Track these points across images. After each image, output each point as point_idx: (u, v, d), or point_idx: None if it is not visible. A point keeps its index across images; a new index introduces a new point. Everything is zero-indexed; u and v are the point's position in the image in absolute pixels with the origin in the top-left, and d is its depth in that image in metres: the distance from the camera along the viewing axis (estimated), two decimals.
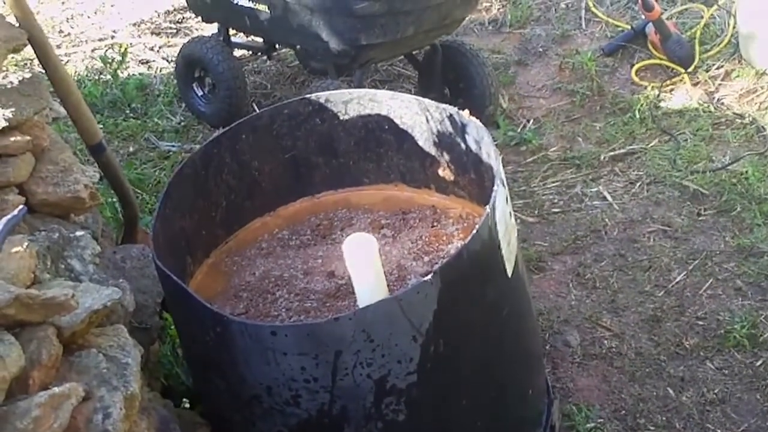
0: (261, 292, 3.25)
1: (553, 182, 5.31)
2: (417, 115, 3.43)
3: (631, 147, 5.54)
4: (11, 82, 3.09)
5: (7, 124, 3.03)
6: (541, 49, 6.70)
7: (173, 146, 5.85)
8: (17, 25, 3.53)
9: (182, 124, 6.15)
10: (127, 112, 6.28)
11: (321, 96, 3.55)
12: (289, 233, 3.55)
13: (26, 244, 2.57)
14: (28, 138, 3.13)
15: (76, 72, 6.81)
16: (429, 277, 2.59)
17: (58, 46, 7.36)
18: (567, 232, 4.85)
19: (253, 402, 2.81)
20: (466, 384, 2.88)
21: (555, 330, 4.17)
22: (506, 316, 3.00)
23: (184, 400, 3.19)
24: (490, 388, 2.99)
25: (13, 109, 3.04)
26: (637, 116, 5.80)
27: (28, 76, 3.16)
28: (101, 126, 5.30)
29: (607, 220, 4.90)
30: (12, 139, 3.07)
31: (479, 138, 3.20)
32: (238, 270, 3.42)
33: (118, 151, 5.80)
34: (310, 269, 3.32)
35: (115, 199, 4.30)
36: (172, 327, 3.59)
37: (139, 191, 5.17)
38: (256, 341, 2.64)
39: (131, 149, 5.88)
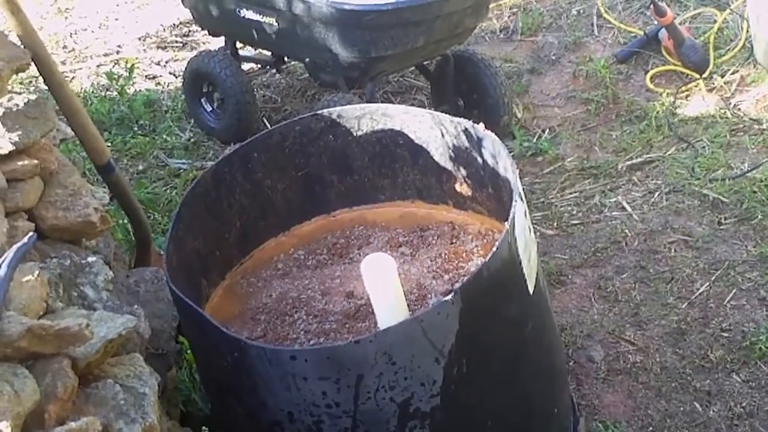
0: (279, 315, 3.19)
1: (571, 193, 5.25)
2: (431, 130, 3.38)
3: (649, 155, 5.47)
4: (17, 105, 3.03)
5: (14, 148, 2.98)
6: (553, 57, 6.64)
7: (183, 164, 5.79)
8: (20, 43, 3.49)
9: (192, 140, 6.09)
10: (135, 129, 6.23)
11: (333, 112, 3.50)
12: (305, 253, 3.50)
13: (37, 272, 2.53)
14: (36, 162, 3.08)
15: (81, 89, 6.78)
16: (450, 296, 2.54)
17: (63, 62, 7.33)
18: (587, 244, 4.78)
19: (274, 428, 2.75)
20: (490, 405, 2.82)
21: (578, 345, 4.11)
22: (529, 334, 2.94)
23: (204, 428, 3.12)
24: (515, 408, 2.93)
25: (19, 133, 2.99)
26: (654, 124, 5.73)
27: (33, 98, 3.10)
28: (109, 144, 5.29)
29: (627, 231, 4.83)
30: (20, 163, 3.02)
31: (496, 152, 3.15)
32: (254, 292, 3.37)
33: (128, 170, 5.75)
34: (327, 290, 3.26)
35: (126, 221, 4.24)
36: (189, 351, 3.54)
37: (150, 211, 5.12)
38: (275, 366, 2.58)
39: (141, 167, 5.83)
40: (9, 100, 3.05)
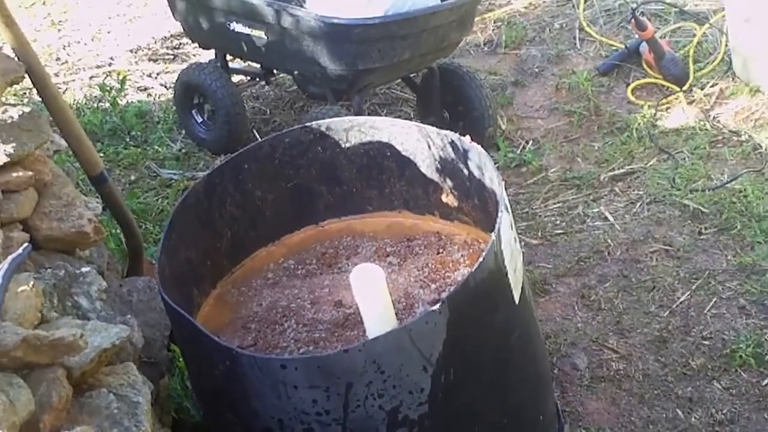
0: (269, 323, 3.24)
1: (555, 203, 5.31)
2: (418, 142, 3.44)
3: (630, 166, 5.54)
4: (11, 117, 3.08)
5: (9, 159, 3.03)
6: (537, 70, 6.70)
7: (175, 174, 5.84)
8: (14, 56, 3.53)
9: (183, 151, 6.13)
10: (127, 140, 6.26)
11: (322, 124, 3.55)
12: (295, 262, 3.55)
13: (32, 282, 2.57)
14: (30, 173, 3.12)
15: (74, 100, 6.80)
16: (437, 306, 2.59)
17: (56, 74, 7.36)
18: (570, 253, 4.85)
19: None
20: (478, 412, 2.88)
21: (562, 353, 4.17)
22: (515, 342, 3.00)
23: None
24: (502, 415, 2.99)
25: (14, 145, 3.04)
26: (635, 135, 5.79)
27: (28, 110, 3.15)
28: (102, 155, 5.34)
29: (609, 240, 4.90)
30: (14, 174, 3.07)
31: (482, 163, 3.21)
32: (244, 301, 3.41)
33: (120, 180, 5.80)
34: (317, 299, 3.31)
35: (118, 230, 4.29)
36: (181, 359, 3.58)
37: (142, 221, 5.17)
38: (266, 374, 2.63)
39: (132, 178, 5.87)
40: (4, 113, 3.09)
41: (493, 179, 3.11)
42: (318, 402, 2.63)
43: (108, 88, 6.67)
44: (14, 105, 3.39)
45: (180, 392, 3.65)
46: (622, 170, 5.53)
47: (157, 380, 3.30)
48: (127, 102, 6.70)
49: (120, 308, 3.43)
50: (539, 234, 5.05)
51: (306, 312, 3.26)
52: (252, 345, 3.16)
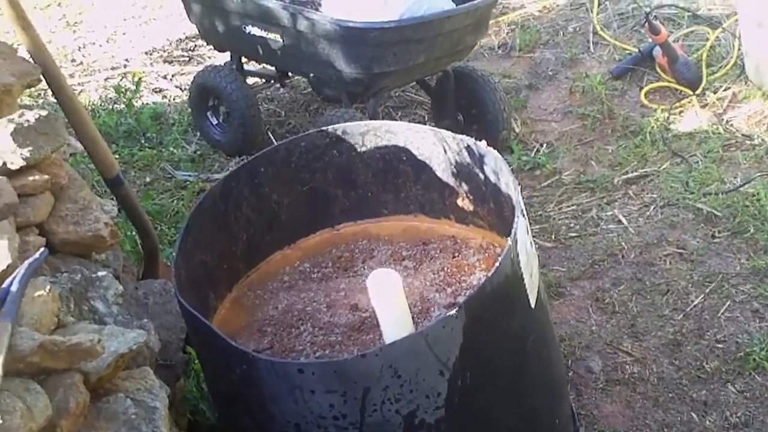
0: (285, 327, 3.24)
1: (569, 206, 5.32)
2: (434, 146, 3.44)
3: (644, 170, 5.54)
4: (28, 121, 3.07)
5: (25, 163, 3.03)
6: (551, 73, 6.71)
7: (190, 176, 5.86)
8: (30, 59, 3.55)
9: (198, 153, 6.16)
10: (143, 141, 6.30)
11: (338, 128, 3.56)
12: (311, 266, 3.55)
13: (49, 287, 2.57)
14: (47, 177, 3.13)
15: (90, 101, 6.84)
16: (454, 311, 2.60)
17: (71, 76, 7.39)
18: (584, 256, 4.85)
19: None
20: (493, 417, 2.88)
21: (577, 356, 4.18)
22: (531, 346, 3.00)
23: None
24: (518, 419, 2.99)
25: (30, 148, 3.03)
26: (648, 139, 5.80)
27: (44, 114, 3.14)
28: (117, 156, 5.37)
29: (623, 243, 4.90)
30: (30, 178, 3.07)
31: (498, 168, 3.21)
32: (260, 304, 3.42)
33: (135, 182, 5.82)
34: (333, 302, 3.32)
35: (134, 232, 4.31)
36: (196, 361, 3.59)
37: (157, 223, 5.19)
38: (283, 379, 2.64)
39: (148, 179, 5.90)
40: (20, 116, 3.09)
41: (509, 184, 3.12)
42: (335, 406, 2.63)
43: (123, 90, 6.70)
44: (30, 107, 3.41)
45: (196, 394, 3.66)
46: (635, 173, 5.53)
47: (173, 383, 3.30)
48: (142, 104, 6.73)
49: (136, 311, 3.44)
50: (553, 237, 5.06)
51: (322, 315, 3.26)
52: (268, 348, 3.17)
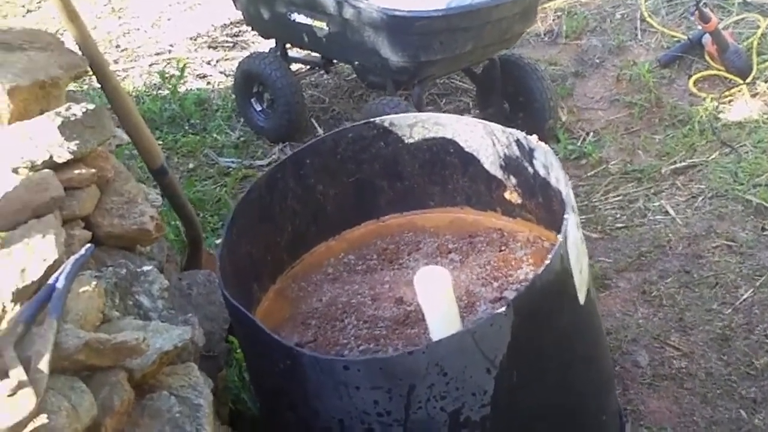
0: (329, 319, 3.23)
1: (615, 196, 5.27)
2: (482, 139, 3.41)
3: (692, 160, 5.47)
4: (75, 114, 3.07)
5: (72, 157, 3.03)
6: (597, 60, 6.65)
7: (233, 162, 5.87)
8: (78, 50, 3.55)
9: (241, 139, 6.17)
10: (186, 127, 6.31)
11: (385, 120, 3.54)
12: (355, 258, 3.54)
13: (94, 283, 2.58)
14: (93, 170, 3.13)
15: (134, 87, 6.86)
16: (503, 309, 2.57)
17: (116, 61, 7.42)
18: (631, 247, 4.80)
19: None
20: (540, 413, 2.85)
21: (623, 350, 4.12)
22: (579, 344, 2.97)
23: None
24: (564, 415, 2.95)
25: (77, 142, 3.03)
26: (697, 128, 5.73)
27: (91, 107, 3.14)
28: (161, 142, 5.38)
29: (670, 235, 4.84)
30: (77, 171, 3.07)
31: (548, 163, 3.18)
32: (304, 296, 3.41)
33: (178, 168, 5.84)
34: (377, 295, 3.30)
35: (177, 221, 4.31)
36: (238, 350, 3.58)
37: (200, 210, 5.18)
38: (328, 375, 2.62)
39: (191, 165, 5.91)
40: (67, 110, 3.09)
41: (559, 179, 3.08)
42: (379, 403, 2.61)
43: (167, 76, 6.72)
44: (75, 93, 3.40)
45: (237, 384, 3.65)
46: (683, 163, 5.46)
47: (216, 373, 3.29)
48: (186, 89, 6.75)
49: (180, 303, 3.43)
50: (599, 228, 5.01)
51: (366, 308, 3.25)
52: (312, 341, 3.16)
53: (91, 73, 3.62)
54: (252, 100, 6.18)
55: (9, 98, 3.15)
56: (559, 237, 2.73)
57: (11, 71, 3.23)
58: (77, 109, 3.09)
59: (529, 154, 3.25)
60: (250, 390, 3.58)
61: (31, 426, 2.03)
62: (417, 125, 3.51)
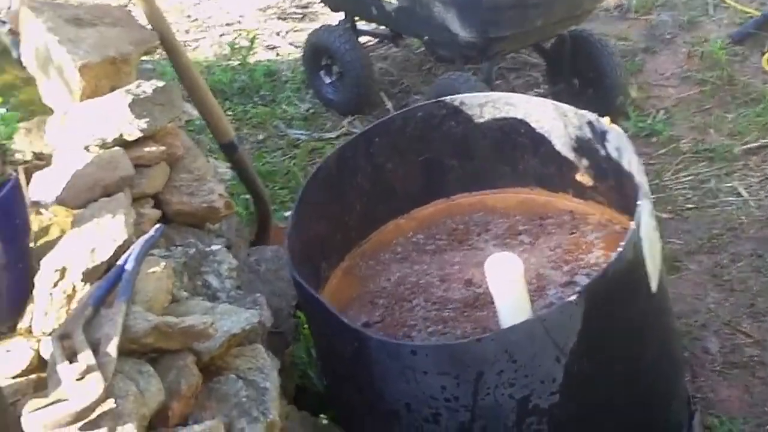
0: (397, 299, 3.23)
1: (686, 176, 5.19)
2: (554, 120, 3.38)
3: (765, 140, 5.35)
4: (145, 92, 3.09)
5: (142, 134, 3.05)
6: (668, 36, 6.54)
7: (302, 134, 5.88)
8: (148, 25, 3.55)
9: (311, 111, 6.17)
10: (256, 99, 6.32)
11: (456, 99, 3.52)
12: (425, 237, 3.53)
13: (163, 263, 2.59)
14: (163, 147, 3.15)
15: (204, 58, 6.88)
16: (574, 297, 2.55)
17: (186, 32, 7.45)
18: (702, 229, 4.73)
19: (390, 417, 2.79)
20: (609, 402, 2.83)
21: (693, 336, 4.06)
22: (650, 331, 2.95)
23: (322, 417, 3.18)
24: (633, 404, 2.92)
25: (147, 119, 3.06)
26: None
27: (161, 84, 3.16)
28: (230, 113, 5.40)
29: (743, 217, 4.76)
30: (147, 149, 3.10)
31: (620, 146, 3.14)
32: (372, 275, 3.40)
33: (248, 139, 5.86)
34: (446, 276, 3.28)
35: (247, 195, 4.31)
36: (305, 326, 3.57)
37: (269, 183, 5.18)
38: (395, 359, 2.63)
39: (260, 137, 5.93)
40: (137, 87, 3.12)
41: (632, 162, 3.04)
42: (447, 388, 2.61)
43: (237, 47, 6.72)
44: (147, 68, 3.40)
45: (305, 360, 3.64)
46: (756, 144, 5.36)
47: (283, 350, 3.30)
48: (256, 61, 6.74)
49: (248, 278, 3.44)
50: (669, 208, 4.94)
51: (435, 289, 3.23)
52: (379, 321, 3.16)
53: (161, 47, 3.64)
54: (321, 72, 6.15)
55: (80, 75, 3.17)
56: (632, 224, 2.70)
57: (82, 48, 3.26)
58: (147, 87, 3.11)
59: (601, 136, 3.22)
60: (316, 366, 3.58)
61: (98, 410, 2.04)
62: (488, 105, 3.48)
